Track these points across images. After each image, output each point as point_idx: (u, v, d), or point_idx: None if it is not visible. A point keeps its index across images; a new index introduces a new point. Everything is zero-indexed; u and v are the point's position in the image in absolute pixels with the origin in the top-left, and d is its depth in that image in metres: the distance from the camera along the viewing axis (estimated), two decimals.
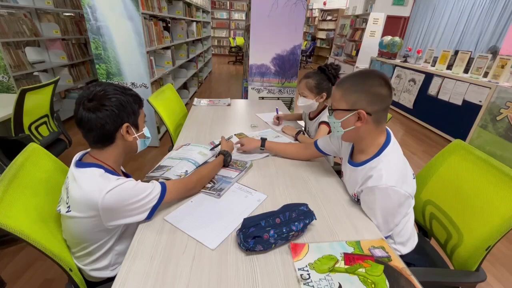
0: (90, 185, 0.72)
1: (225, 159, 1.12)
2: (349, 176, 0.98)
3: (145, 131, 0.90)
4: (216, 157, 1.14)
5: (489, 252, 0.81)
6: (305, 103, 1.47)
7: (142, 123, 0.88)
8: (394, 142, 0.88)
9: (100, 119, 0.74)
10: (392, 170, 0.82)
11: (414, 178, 0.89)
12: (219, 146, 1.23)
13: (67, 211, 0.74)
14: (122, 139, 0.81)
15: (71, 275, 0.75)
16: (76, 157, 0.80)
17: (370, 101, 0.83)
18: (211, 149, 1.23)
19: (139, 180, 0.81)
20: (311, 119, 1.59)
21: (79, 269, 0.83)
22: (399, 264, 0.70)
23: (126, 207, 0.74)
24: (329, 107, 0.93)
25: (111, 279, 0.84)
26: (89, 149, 0.83)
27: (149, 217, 0.81)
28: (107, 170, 0.76)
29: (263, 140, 1.24)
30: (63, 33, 3.30)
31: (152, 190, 0.79)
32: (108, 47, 2.41)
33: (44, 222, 0.78)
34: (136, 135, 0.84)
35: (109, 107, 0.74)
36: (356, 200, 0.95)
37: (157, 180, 0.93)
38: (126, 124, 0.79)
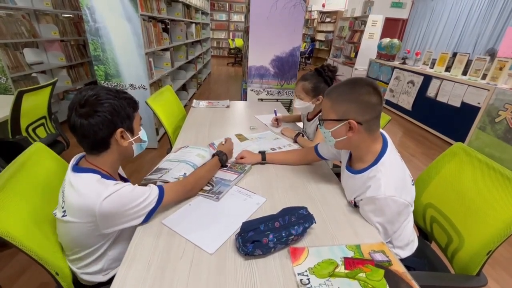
0: (87, 191, 0.70)
1: (221, 159, 1.12)
2: (347, 183, 0.98)
3: (142, 134, 0.87)
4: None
5: (490, 256, 0.80)
6: (302, 105, 1.47)
7: (138, 127, 0.85)
8: (391, 149, 0.87)
9: (92, 126, 0.72)
10: (390, 179, 0.81)
11: (413, 185, 0.88)
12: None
13: (63, 216, 0.72)
14: (117, 144, 0.79)
15: (58, 279, 0.73)
16: (73, 161, 0.79)
17: (360, 111, 0.82)
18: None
19: (136, 184, 0.80)
20: (308, 120, 1.59)
21: (73, 272, 0.82)
22: (399, 268, 0.70)
23: (123, 213, 0.73)
24: (319, 117, 0.93)
25: (103, 284, 0.83)
26: (85, 153, 0.82)
27: (146, 220, 0.80)
28: (103, 176, 0.75)
29: (263, 153, 1.23)
30: (61, 35, 3.29)
31: (149, 194, 0.78)
32: (106, 49, 2.40)
33: (37, 224, 0.77)
34: (131, 139, 0.82)
35: (101, 113, 0.72)
36: (353, 206, 0.94)
37: (155, 183, 0.92)
38: (120, 129, 0.77)
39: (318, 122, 1.45)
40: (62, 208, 0.73)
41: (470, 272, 0.85)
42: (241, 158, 1.20)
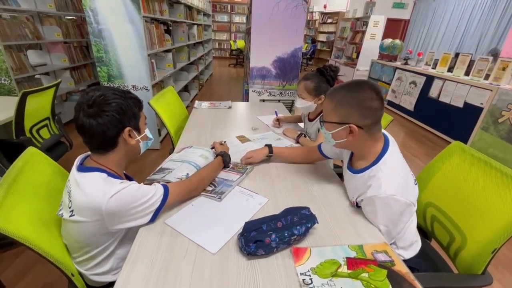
0: (94, 189, 0.71)
1: (224, 160, 1.12)
2: (349, 182, 0.98)
3: (147, 132, 0.90)
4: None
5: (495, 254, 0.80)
6: (303, 104, 1.47)
7: (143, 125, 0.87)
8: (392, 148, 0.87)
9: (101, 125, 0.73)
10: (391, 178, 0.81)
11: (416, 184, 0.88)
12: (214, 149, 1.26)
13: (70, 216, 0.73)
14: (124, 143, 0.80)
15: (73, 280, 0.74)
16: (78, 160, 0.80)
17: (361, 116, 0.81)
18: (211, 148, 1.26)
19: (142, 183, 0.81)
20: (310, 120, 1.59)
21: (80, 274, 0.82)
22: (402, 268, 0.70)
23: (130, 211, 0.74)
24: (321, 118, 0.93)
25: (112, 284, 0.84)
26: (89, 152, 0.82)
27: (152, 219, 0.80)
28: (110, 174, 0.76)
29: (270, 146, 1.23)
30: (65, 36, 3.32)
31: (155, 192, 0.79)
32: (109, 50, 2.42)
33: (46, 226, 0.78)
34: (138, 137, 0.84)
35: (109, 112, 0.73)
36: (355, 207, 0.94)
37: (158, 182, 0.93)
38: (128, 128, 0.79)
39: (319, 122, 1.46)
40: (69, 208, 0.74)
41: (475, 271, 0.84)
42: (248, 158, 1.19)
